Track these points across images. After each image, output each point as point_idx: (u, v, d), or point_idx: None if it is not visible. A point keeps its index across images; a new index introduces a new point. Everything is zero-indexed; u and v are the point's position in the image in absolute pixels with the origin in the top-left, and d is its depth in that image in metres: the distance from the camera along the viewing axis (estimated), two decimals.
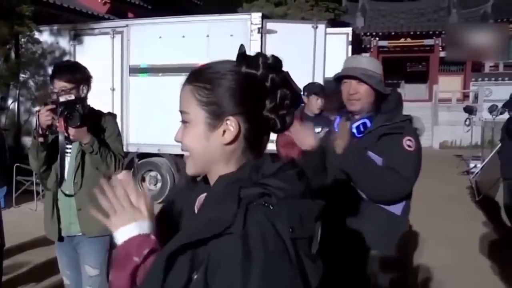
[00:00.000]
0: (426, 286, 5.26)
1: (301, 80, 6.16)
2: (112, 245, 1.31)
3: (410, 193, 2.62)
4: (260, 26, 9.15)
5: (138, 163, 9.86)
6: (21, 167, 8.97)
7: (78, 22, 11.47)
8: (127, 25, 10.04)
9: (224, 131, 1.18)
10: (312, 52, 9.01)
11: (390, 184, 2.48)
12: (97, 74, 11.20)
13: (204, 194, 1.25)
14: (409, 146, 2.52)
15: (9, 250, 5.84)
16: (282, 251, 1.04)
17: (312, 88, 5.22)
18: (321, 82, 8.91)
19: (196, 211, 1.28)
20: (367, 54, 20.65)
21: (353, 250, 2.51)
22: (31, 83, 10.83)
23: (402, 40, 25.29)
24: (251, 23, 9.19)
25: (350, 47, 10.23)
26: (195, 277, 1.04)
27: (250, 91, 1.19)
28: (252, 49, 9.20)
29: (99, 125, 3.34)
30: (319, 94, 5.09)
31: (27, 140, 10.66)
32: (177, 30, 9.53)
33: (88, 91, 3.40)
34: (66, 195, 3.29)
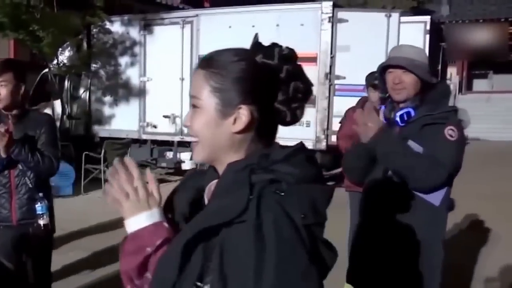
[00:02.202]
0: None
1: (372, 71, 5.64)
2: None
3: (450, 185, 2.57)
4: (331, 15, 8.93)
5: None
6: (90, 156, 9.19)
7: (150, 12, 11.60)
8: (197, 15, 10.05)
9: (235, 119, 1.16)
10: (385, 42, 8.60)
11: (425, 168, 2.45)
12: (167, 64, 11.30)
13: (214, 182, 1.23)
14: (450, 135, 2.48)
15: (73, 235, 5.98)
16: (295, 238, 1.04)
17: (369, 79, 4.69)
18: None
19: (205, 199, 1.26)
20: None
21: (393, 240, 2.53)
22: (102, 72, 11.08)
23: None
24: (322, 12, 9.00)
25: (428, 36, 9.65)
26: (210, 265, 1.05)
27: (264, 81, 1.16)
28: (323, 39, 8.97)
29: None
30: (376, 86, 4.60)
31: (98, 129, 10.98)
32: (247, 19, 9.39)
33: None
34: None
